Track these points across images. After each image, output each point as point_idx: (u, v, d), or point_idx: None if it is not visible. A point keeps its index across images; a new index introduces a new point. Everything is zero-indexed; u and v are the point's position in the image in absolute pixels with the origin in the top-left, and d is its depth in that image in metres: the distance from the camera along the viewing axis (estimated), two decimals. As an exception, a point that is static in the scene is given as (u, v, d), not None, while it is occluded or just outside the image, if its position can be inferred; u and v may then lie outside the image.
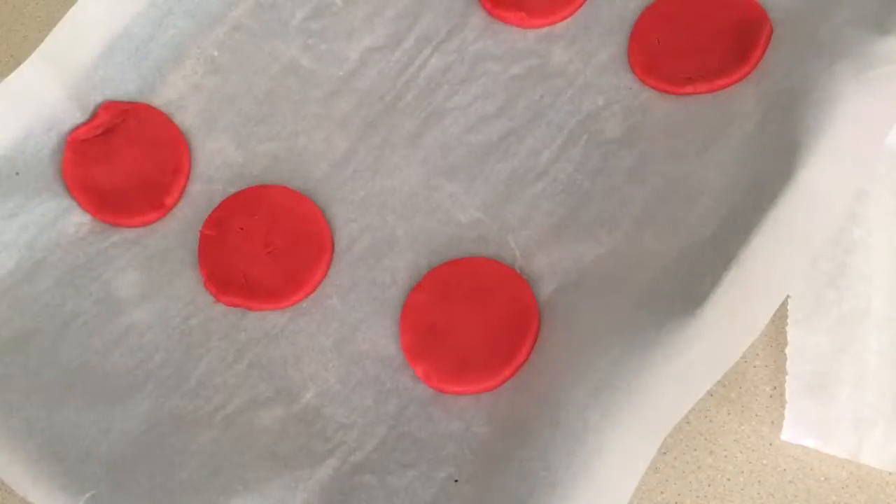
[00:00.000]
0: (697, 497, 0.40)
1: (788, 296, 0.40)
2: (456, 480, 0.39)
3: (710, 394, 0.40)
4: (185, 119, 0.48)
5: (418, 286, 0.43)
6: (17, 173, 0.46)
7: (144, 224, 0.46)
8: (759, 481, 0.40)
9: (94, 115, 0.48)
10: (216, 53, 0.49)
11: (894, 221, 0.42)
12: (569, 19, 0.47)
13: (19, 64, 0.47)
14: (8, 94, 0.46)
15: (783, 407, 0.40)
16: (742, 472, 0.40)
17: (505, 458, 0.38)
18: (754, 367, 0.42)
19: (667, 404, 0.37)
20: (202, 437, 0.41)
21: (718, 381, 0.38)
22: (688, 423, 0.41)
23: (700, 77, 0.44)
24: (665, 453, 0.40)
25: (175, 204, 0.47)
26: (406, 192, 0.45)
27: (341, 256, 0.45)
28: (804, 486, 0.40)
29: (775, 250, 0.38)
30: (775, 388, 0.41)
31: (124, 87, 0.49)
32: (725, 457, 0.40)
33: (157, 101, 0.49)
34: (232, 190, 0.46)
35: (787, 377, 0.40)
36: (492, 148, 0.45)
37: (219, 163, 0.47)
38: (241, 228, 0.45)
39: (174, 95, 0.49)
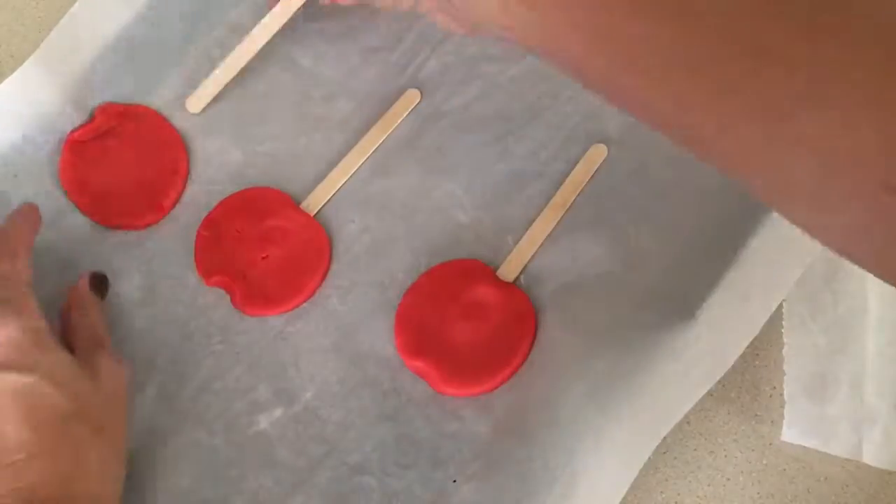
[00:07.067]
0: (697, 497, 0.40)
1: (784, 299, 0.40)
2: (455, 481, 0.39)
3: (710, 394, 0.40)
4: (184, 120, 0.48)
5: (413, 287, 0.43)
6: (16, 176, 0.46)
7: (143, 226, 0.46)
8: (759, 481, 0.40)
9: (92, 117, 0.48)
10: (217, 53, 0.49)
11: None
12: (567, 19, 0.47)
13: (19, 64, 0.46)
14: (6, 97, 0.46)
15: (783, 407, 0.40)
16: (742, 472, 0.40)
17: (504, 458, 0.38)
18: (754, 366, 0.42)
19: (665, 404, 0.37)
20: (204, 444, 0.41)
21: (718, 381, 0.38)
22: (688, 423, 0.41)
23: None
24: (665, 453, 0.40)
25: (173, 206, 0.46)
26: (405, 193, 0.45)
27: (340, 257, 0.44)
28: (804, 486, 0.39)
29: (772, 252, 0.38)
30: (775, 387, 0.41)
31: (122, 89, 0.48)
32: (725, 457, 0.40)
33: (156, 102, 0.49)
34: (231, 189, 0.46)
35: (785, 378, 0.40)
36: (490, 148, 0.45)
37: (217, 163, 0.47)
38: (238, 231, 0.45)
39: (172, 96, 0.49)
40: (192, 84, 0.49)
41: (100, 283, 0.43)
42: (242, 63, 0.47)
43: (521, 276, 0.43)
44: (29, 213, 0.42)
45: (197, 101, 0.47)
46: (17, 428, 0.34)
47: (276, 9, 0.46)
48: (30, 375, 0.35)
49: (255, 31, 0.47)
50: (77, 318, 0.40)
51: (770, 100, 0.25)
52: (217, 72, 0.47)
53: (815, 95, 0.24)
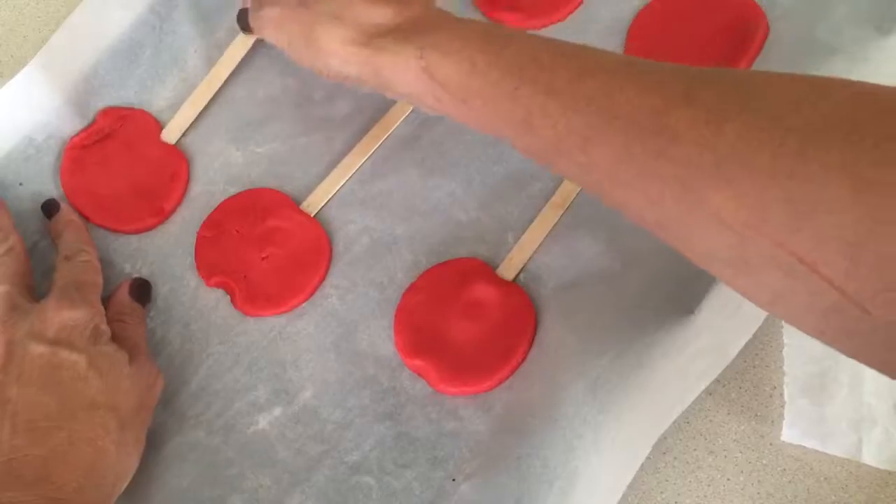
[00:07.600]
0: (697, 497, 0.39)
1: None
2: (454, 479, 0.39)
3: (709, 393, 0.40)
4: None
5: (413, 286, 0.43)
6: (21, 184, 0.46)
7: (144, 230, 0.46)
8: (759, 481, 0.40)
9: (93, 121, 0.48)
10: (216, 55, 0.49)
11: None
12: (566, 20, 0.47)
13: (19, 64, 0.47)
14: (7, 103, 0.46)
15: (783, 407, 0.40)
16: (742, 472, 0.40)
17: (503, 456, 0.38)
18: (754, 366, 0.42)
19: (664, 401, 0.37)
20: (203, 445, 0.41)
21: (718, 381, 0.37)
22: (688, 422, 0.41)
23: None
24: (665, 453, 0.40)
25: (174, 209, 0.47)
26: (405, 193, 0.45)
27: (340, 257, 0.45)
28: (804, 486, 0.39)
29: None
30: (775, 387, 0.41)
31: (123, 93, 0.49)
32: (725, 457, 0.40)
33: (157, 104, 0.49)
34: (232, 191, 0.46)
35: (784, 378, 0.40)
36: (490, 148, 0.45)
37: (218, 165, 0.47)
38: (238, 232, 0.45)
39: (174, 98, 0.49)
40: (194, 86, 0.49)
41: (141, 290, 0.44)
42: (208, 97, 0.48)
43: (521, 275, 0.43)
44: (80, 224, 0.45)
45: (171, 135, 0.48)
46: (52, 399, 0.37)
47: (230, 49, 0.48)
48: (78, 356, 0.38)
49: (216, 68, 0.48)
50: (117, 328, 0.41)
51: (683, 179, 0.27)
52: (184, 106, 0.48)
53: (721, 174, 0.26)
